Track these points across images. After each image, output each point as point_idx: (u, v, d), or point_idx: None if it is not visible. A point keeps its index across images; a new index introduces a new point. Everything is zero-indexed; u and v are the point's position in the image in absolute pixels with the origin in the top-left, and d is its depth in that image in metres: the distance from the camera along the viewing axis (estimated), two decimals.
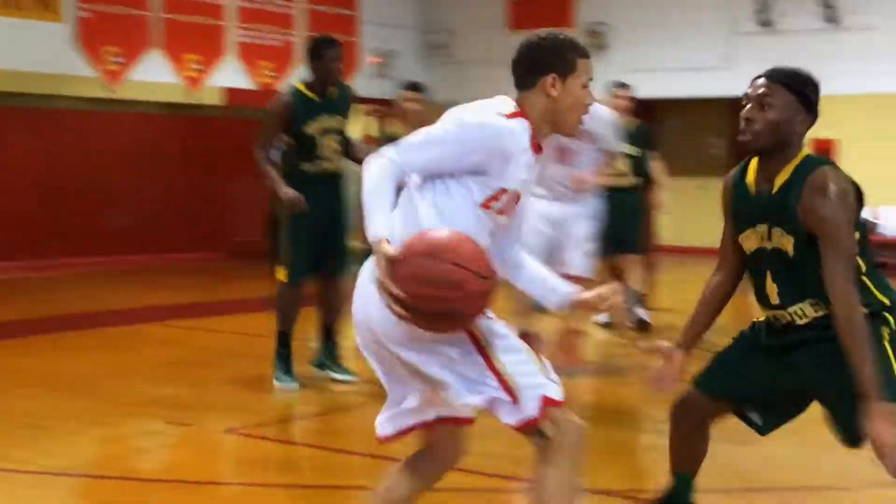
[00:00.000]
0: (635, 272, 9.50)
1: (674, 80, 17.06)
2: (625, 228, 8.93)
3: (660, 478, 4.21)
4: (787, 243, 3.63)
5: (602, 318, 9.37)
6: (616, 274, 9.11)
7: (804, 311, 3.64)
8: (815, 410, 3.82)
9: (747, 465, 5.31)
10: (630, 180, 9.24)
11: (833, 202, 3.49)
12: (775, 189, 3.65)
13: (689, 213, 15.15)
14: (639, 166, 9.36)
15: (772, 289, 3.68)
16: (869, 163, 13.72)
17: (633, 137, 9.05)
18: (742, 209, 3.76)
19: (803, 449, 5.49)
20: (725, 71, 16.22)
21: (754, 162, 3.74)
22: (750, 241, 3.74)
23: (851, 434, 3.61)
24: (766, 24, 16.60)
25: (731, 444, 4.84)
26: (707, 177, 16.27)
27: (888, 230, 15.86)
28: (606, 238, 8.11)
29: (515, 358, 3.30)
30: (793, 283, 3.64)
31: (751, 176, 3.75)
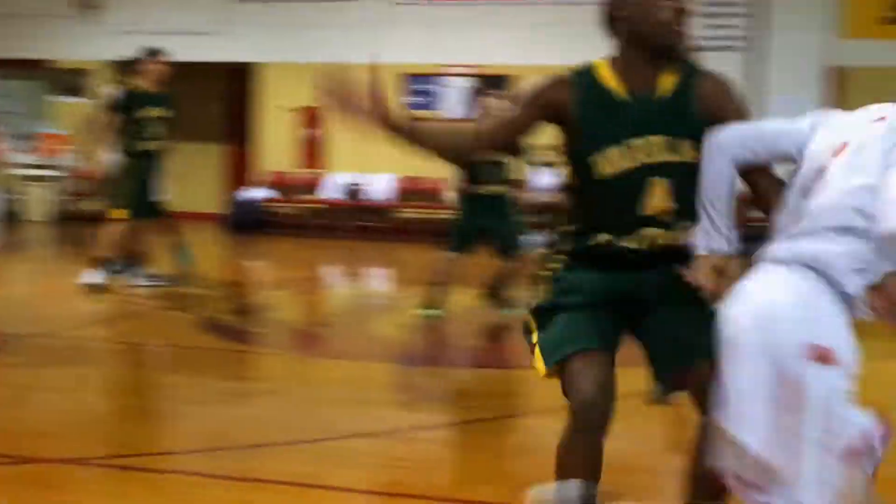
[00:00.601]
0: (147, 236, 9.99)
1: (172, 44, 14.58)
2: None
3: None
4: (689, 152, 3.27)
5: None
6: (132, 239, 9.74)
7: (675, 236, 3.31)
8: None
9: (227, 426, 5.57)
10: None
11: (738, 99, 3.32)
12: (663, 93, 3.30)
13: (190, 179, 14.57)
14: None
15: (658, 207, 3.26)
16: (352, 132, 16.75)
17: (166, 102, 9.67)
18: (606, 122, 3.27)
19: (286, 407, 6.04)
20: (223, 36, 15.21)
21: (605, 68, 3.32)
22: (623, 159, 3.26)
23: (667, 376, 3.39)
24: None
25: (215, 406, 5.98)
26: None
27: (374, 196, 16.34)
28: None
29: None
30: (686, 199, 3.27)
31: (612, 82, 3.31)
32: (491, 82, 15.09)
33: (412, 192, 16.16)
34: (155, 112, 9.56)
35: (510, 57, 15.37)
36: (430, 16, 15.96)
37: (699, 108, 3.31)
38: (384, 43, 16.12)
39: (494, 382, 7.25)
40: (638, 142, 3.28)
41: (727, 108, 3.32)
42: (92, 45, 16.10)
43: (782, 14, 15.06)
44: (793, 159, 3.27)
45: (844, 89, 14.85)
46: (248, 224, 15.45)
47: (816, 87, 14.96)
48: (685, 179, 3.29)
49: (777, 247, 3.14)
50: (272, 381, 7.07)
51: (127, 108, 9.49)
